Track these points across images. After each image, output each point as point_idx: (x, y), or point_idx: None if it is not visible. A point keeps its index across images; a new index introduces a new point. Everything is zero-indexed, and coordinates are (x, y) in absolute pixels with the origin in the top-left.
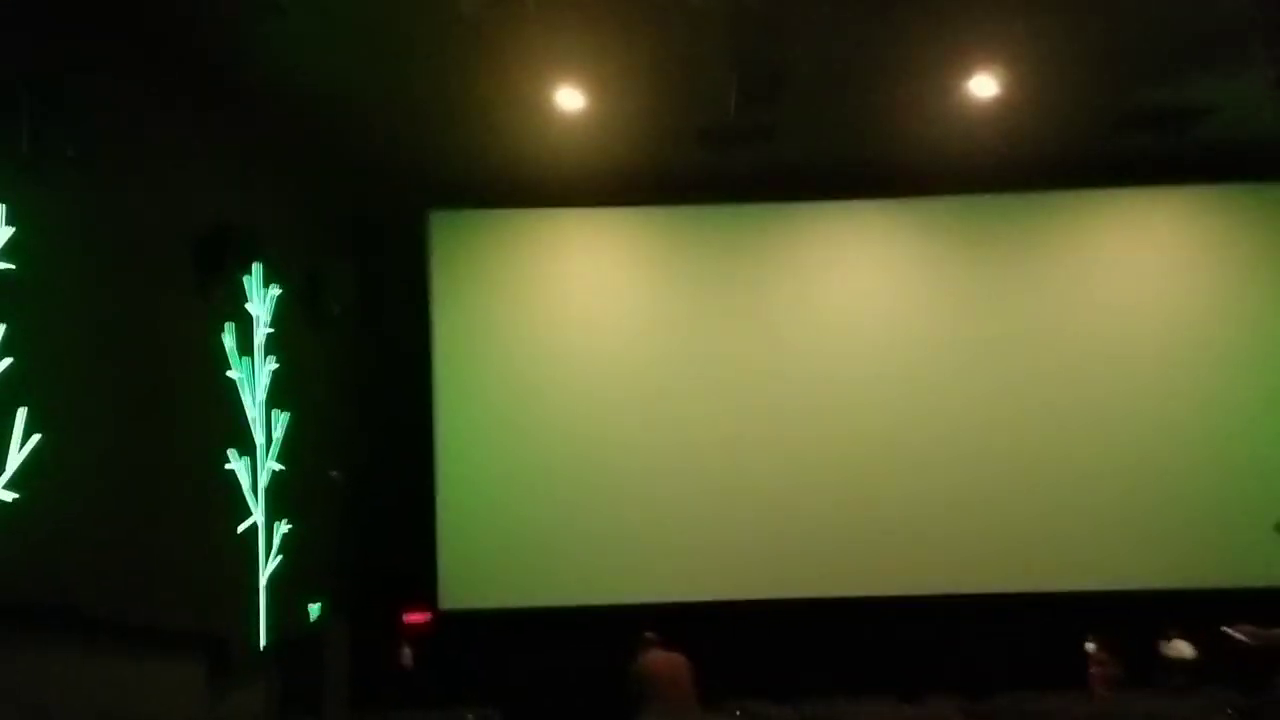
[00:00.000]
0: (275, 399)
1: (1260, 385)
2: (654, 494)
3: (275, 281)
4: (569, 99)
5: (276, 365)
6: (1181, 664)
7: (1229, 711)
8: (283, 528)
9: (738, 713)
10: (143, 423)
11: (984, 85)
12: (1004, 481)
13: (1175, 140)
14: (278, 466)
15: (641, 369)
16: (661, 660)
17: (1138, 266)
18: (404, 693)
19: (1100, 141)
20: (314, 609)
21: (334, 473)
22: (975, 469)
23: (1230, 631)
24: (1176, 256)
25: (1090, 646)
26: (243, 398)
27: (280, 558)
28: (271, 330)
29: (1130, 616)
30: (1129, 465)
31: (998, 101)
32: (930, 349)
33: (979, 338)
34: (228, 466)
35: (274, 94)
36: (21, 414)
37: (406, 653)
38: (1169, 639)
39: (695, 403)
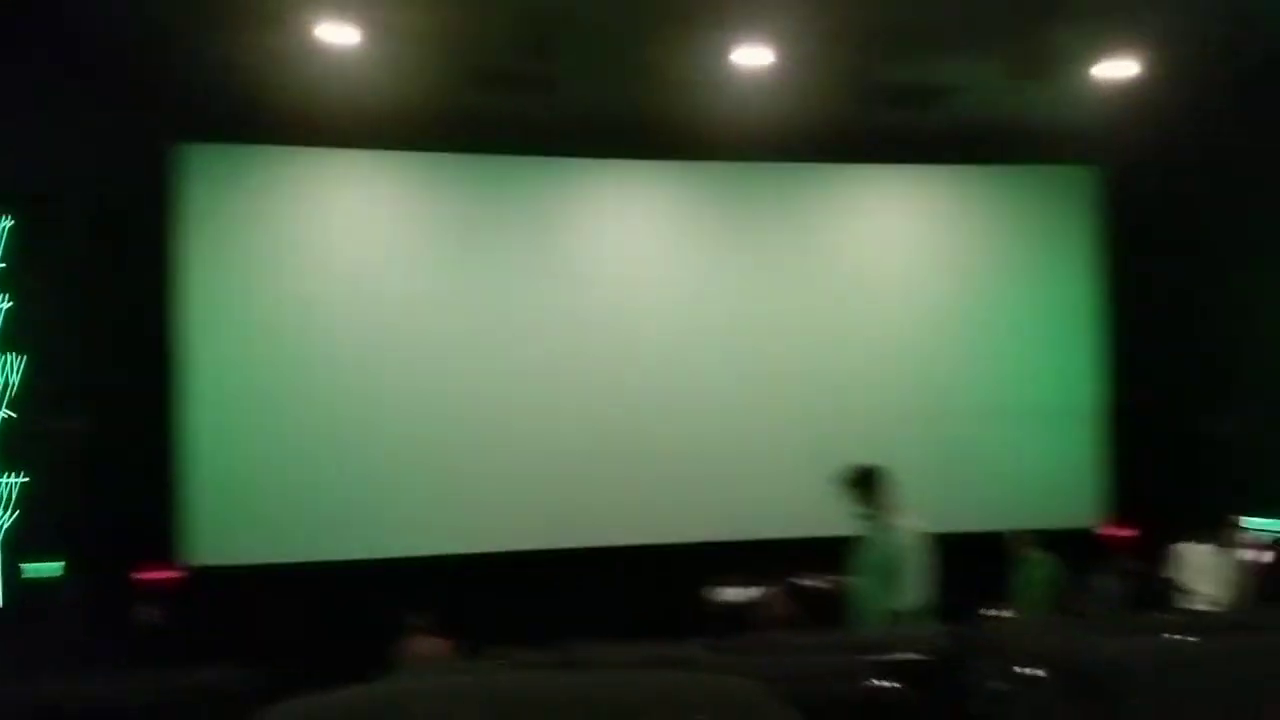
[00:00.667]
0: (6, 341)
1: (990, 338)
2: (415, 445)
3: (6, 213)
4: (338, 34)
5: (9, 304)
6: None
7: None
8: (16, 481)
9: (503, 661)
10: None
11: (757, 54)
12: (757, 437)
13: (923, 119)
14: (8, 414)
15: (405, 317)
16: (426, 651)
17: (889, 239)
18: (146, 652)
19: (856, 116)
20: (53, 566)
21: (70, 422)
22: (733, 424)
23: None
24: (924, 232)
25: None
26: None
27: (16, 513)
28: (3, 265)
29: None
30: (872, 425)
31: (769, 71)
32: (694, 310)
33: (741, 301)
34: None
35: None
36: None
37: (152, 611)
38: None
39: (459, 353)
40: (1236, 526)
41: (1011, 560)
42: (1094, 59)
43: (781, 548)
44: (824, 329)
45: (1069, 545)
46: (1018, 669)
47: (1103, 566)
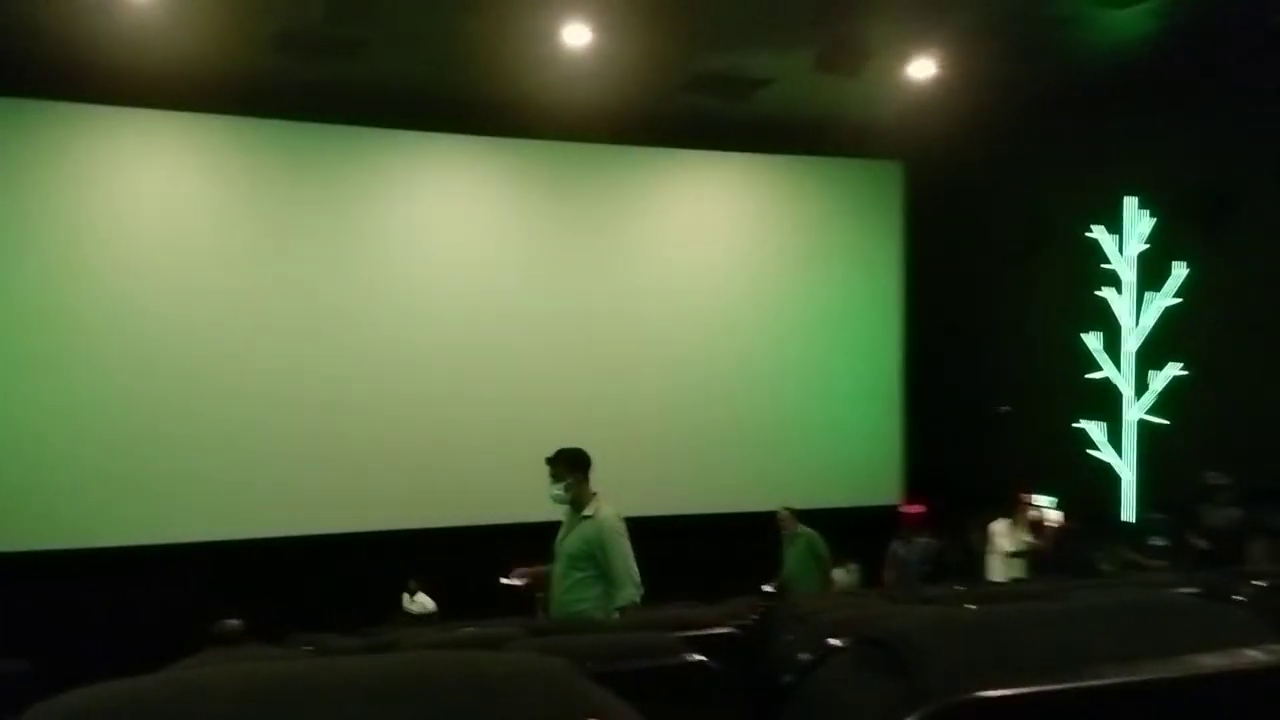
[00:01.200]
0: None
1: (798, 329)
2: (205, 427)
3: None
4: None
5: None
6: None
7: None
8: None
9: (306, 646)
10: None
11: (578, 33)
12: (572, 416)
13: (736, 106)
14: None
15: (202, 290)
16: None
17: (699, 223)
18: None
19: (675, 102)
20: None
21: None
22: (541, 406)
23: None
24: (733, 217)
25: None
26: None
27: None
28: None
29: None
30: (679, 408)
31: (589, 51)
32: (506, 285)
33: (554, 278)
34: None
35: None
36: None
37: None
38: None
39: (255, 329)
40: (1028, 504)
41: (780, 537)
42: (900, 57)
43: None
44: (635, 310)
45: (873, 521)
46: (820, 639)
47: (904, 541)
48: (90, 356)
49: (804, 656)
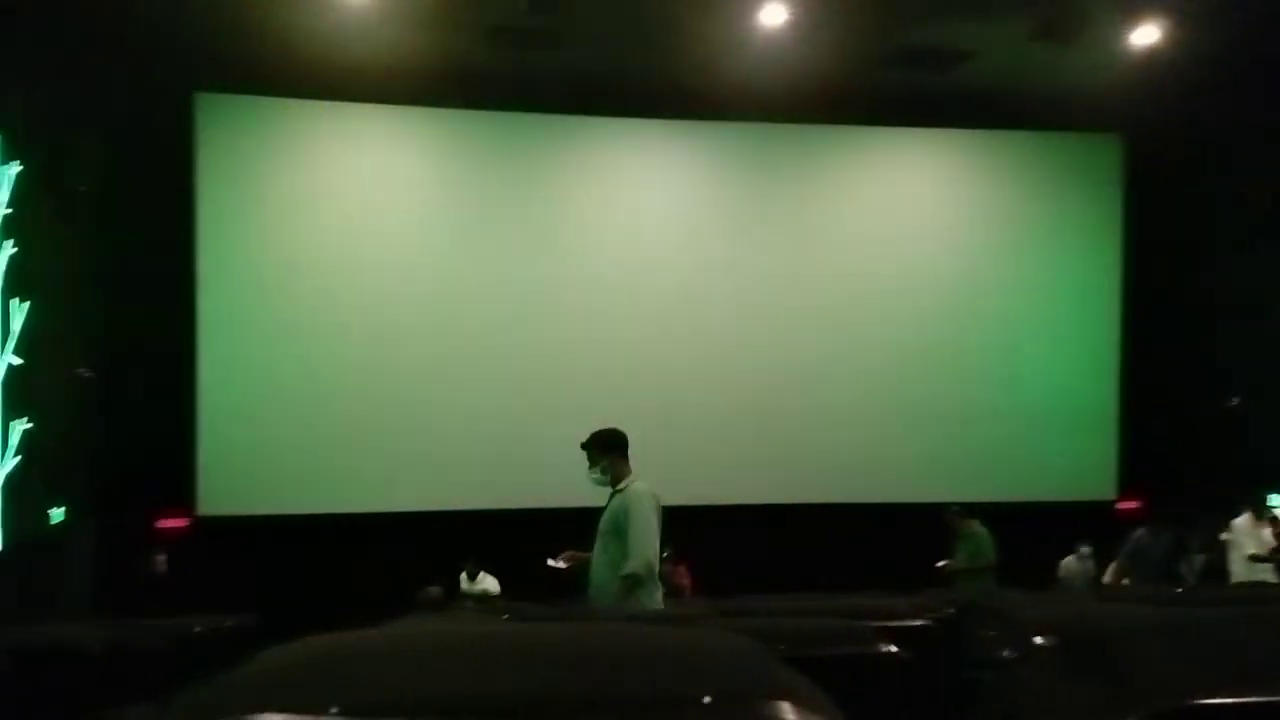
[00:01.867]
0: (14, 287)
1: (1009, 311)
2: (424, 402)
3: (16, 158)
4: None
5: (15, 250)
6: None
7: None
8: (22, 426)
9: (505, 616)
10: None
11: (774, 13)
12: (779, 399)
13: (941, 80)
14: (16, 360)
15: (419, 273)
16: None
17: (902, 203)
18: (156, 599)
19: (875, 78)
20: (56, 512)
21: (83, 370)
22: (752, 386)
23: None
24: (938, 193)
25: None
26: None
27: (19, 458)
28: (10, 211)
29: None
30: (885, 392)
31: (785, 30)
32: (708, 268)
33: (756, 262)
34: None
35: None
36: None
37: (160, 559)
38: None
39: (473, 311)
40: (1264, 504)
41: (952, 533)
42: (1120, 23)
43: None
44: (839, 291)
45: (1089, 518)
46: (1022, 636)
47: (1152, 532)
48: (311, 335)
49: (1005, 653)
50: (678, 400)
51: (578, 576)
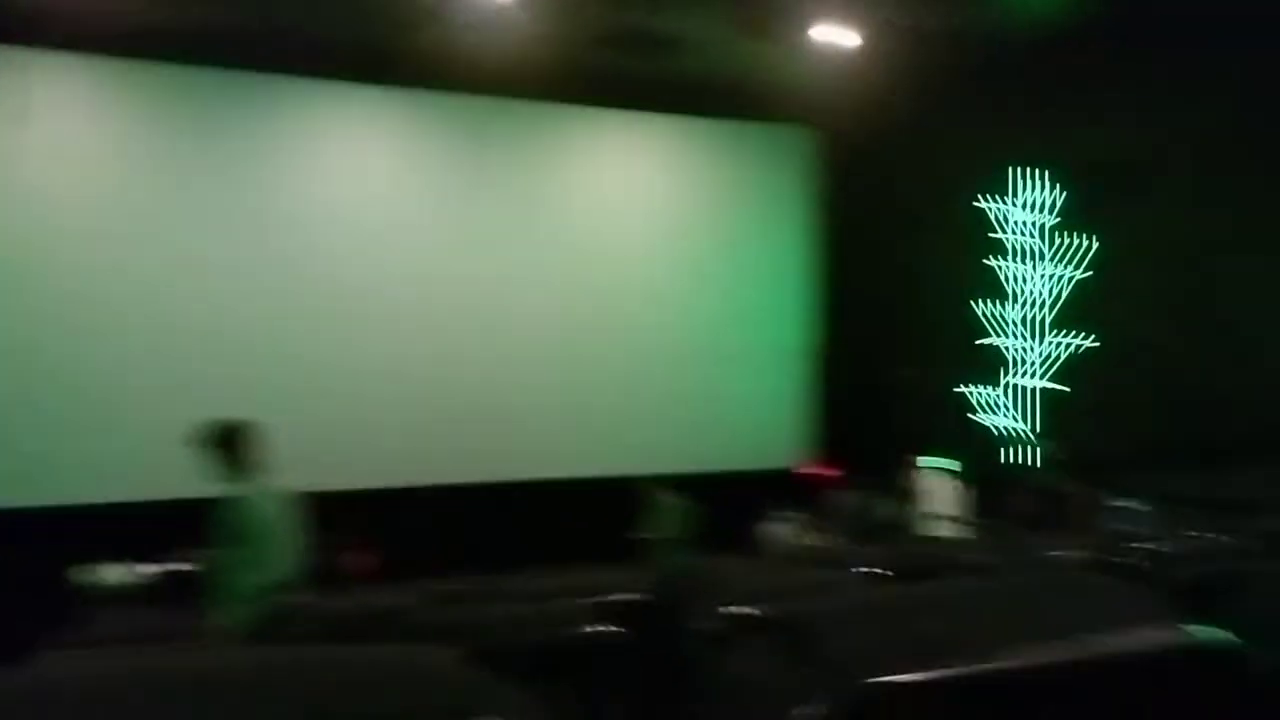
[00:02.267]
0: None
1: (704, 290)
2: (95, 384)
3: None
4: None
5: None
6: None
7: None
8: None
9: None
10: None
11: None
12: (474, 376)
13: (650, 66)
14: None
15: (92, 237)
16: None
17: (609, 182)
18: None
19: (589, 59)
20: None
21: None
22: (446, 363)
23: None
24: (645, 177)
25: None
26: None
27: None
28: None
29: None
30: (583, 367)
31: (506, 4)
32: (415, 241)
33: (465, 235)
34: None
35: None
36: None
37: None
38: None
39: (148, 288)
40: (914, 466)
41: (645, 505)
42: (813, 20)
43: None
44: (539, 268)
45: (773, 485)
46: (728, 616)
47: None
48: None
49: (712, 631)
50: (370, 382)
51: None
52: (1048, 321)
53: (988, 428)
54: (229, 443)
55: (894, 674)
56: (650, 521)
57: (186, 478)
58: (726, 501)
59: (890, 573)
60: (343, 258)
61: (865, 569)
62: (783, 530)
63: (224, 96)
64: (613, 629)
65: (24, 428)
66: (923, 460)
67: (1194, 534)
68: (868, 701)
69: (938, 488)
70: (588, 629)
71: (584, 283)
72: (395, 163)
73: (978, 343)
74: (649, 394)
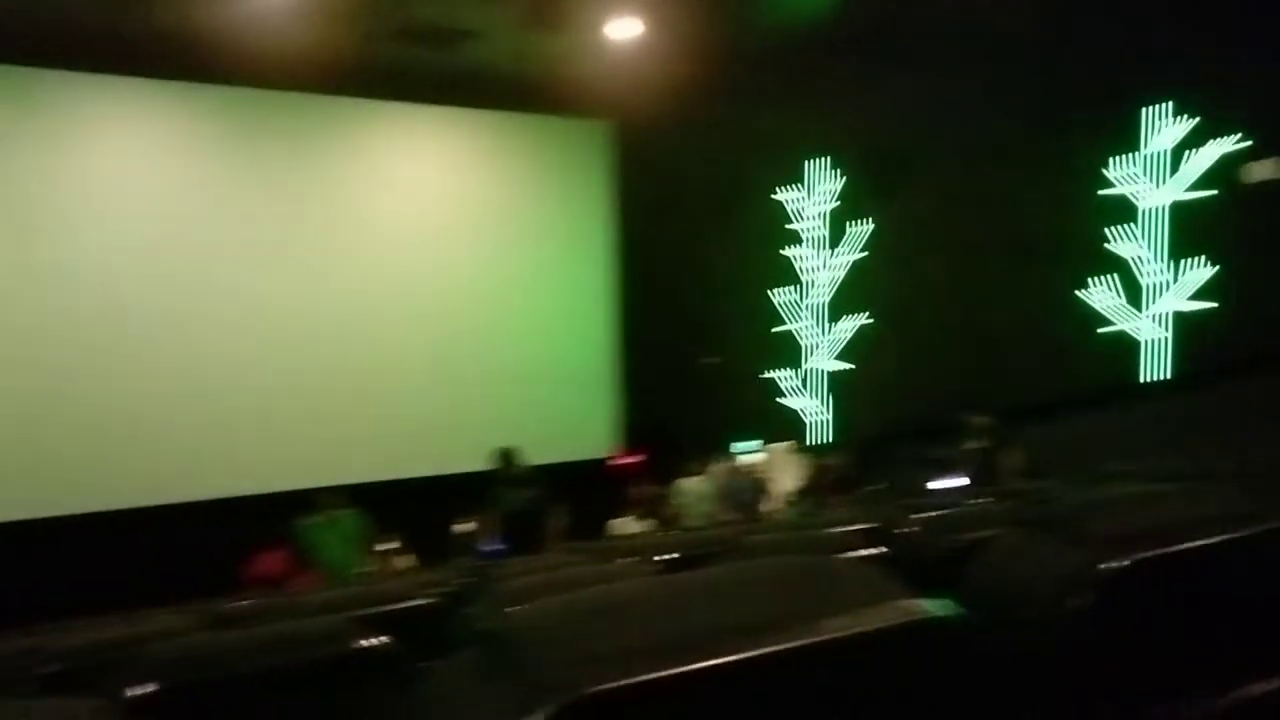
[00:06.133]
0: None
1: (506, 285)
2: None
3: None
4: None
5: None
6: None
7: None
8: None
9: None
10: None
11: None
12: (259, 384)
13: (443, 60)
14: None
15: None
16: None
17: (406, 178)
18: None
19: (381, 51)
20: None
21: None
22: (234, 371)
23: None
24: (442, 173)
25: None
26: None
27: None
28: None
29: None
30: (385, 367)
31: None
32: (192, 242)
33: (250, 233)
34: None
35: None
36: None
37: None
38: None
39: None
40: (724, 452)
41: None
42: (604, 14)
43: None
44: (335, 268)
45: (586, 475)
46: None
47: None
48: None
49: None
50: (161, 389)
51: None
52: (831, 305)
53: (793, 409)
54: None
55: (607, 681)
56: (324, 538)
57: None
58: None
59: (666, 560)
60: (115, 266)
61: (656, 558)
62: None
63: None
64: (383, 640)
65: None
66: (736, 445)
67: (975, 501)
68: (579, 711)
69: (761, 467)
70: (354, 644)
71: (380, 282)
72: (168, 159)
73: (775, 330)
74: (453, 395)
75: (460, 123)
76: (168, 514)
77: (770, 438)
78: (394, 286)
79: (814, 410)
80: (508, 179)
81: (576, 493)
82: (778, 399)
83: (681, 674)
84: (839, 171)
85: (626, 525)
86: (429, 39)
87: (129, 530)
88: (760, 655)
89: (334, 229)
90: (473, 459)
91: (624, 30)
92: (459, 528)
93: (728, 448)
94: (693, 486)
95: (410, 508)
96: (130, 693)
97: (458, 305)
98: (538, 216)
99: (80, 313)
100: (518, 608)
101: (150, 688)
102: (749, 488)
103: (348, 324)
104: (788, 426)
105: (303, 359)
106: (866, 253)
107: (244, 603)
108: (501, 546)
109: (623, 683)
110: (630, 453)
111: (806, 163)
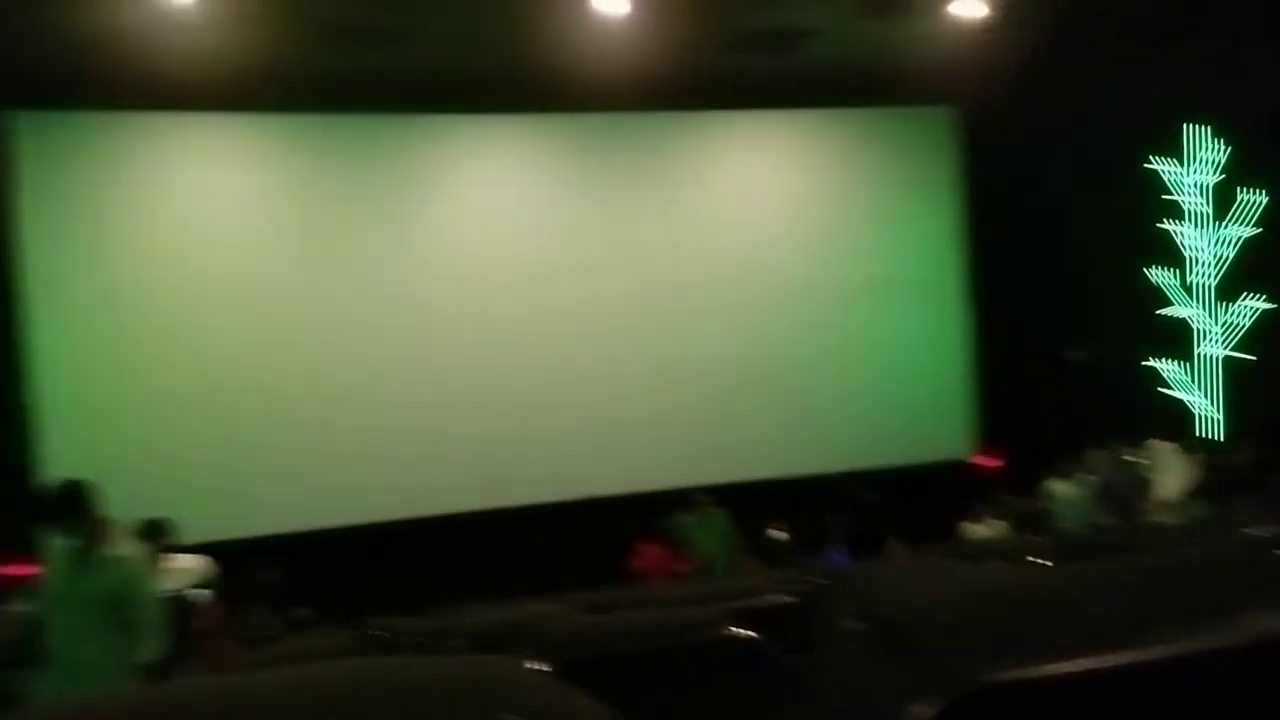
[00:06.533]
0: None
1: (856, 285)
2: (263, 418)
3: None
4: None
5: None
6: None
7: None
8: None
9: (373, 631)
10: None
11: (615, 2)
12: (630, 390)
13: (780, 62)
14: None
15: (262, 285)
16: None
17: (753, 182)
18: None
19: (717, 63)
20: None
21: None
22: (607, 379)
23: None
24: (783, 175)
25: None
26: None
27: None
28: None
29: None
30: (742, 370)
31: (626, 19)
32: (560, 264)
33: (607, 252)
34: None
35: None
36: None
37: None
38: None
39: (319, 322)
40: (1098, 451)
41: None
42: None
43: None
44: (687, 277)
45: (938, 477)
46: (837, 617)
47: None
48: (146, 354)
49: (820, 636)
50: (544, 398)
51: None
52: (1219, 287)
53: (1178, 403)
54: (72, 504)
55: (1011, 671)
56: (701, 534)
57: None
58: (899, 497)
59: (1049, 562)
60: (495, 284)
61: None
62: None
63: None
64: (745, 634)
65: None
66: (1112, 443)
67: None
68: (979, 699)
69: (1148, 468)
70: (723, 633)
71: (729, 289)
72: (529, 190)
73: (1157, 314)
74: (812, 394)
75: (794, 124)
76: (554, 511)
77: (1150, 435)
78: (744, 291)
79: (1203, 404)
80: (847, 175)
81: (927, 497)
82: (1160, 391)
83: (1090, 670)
84: (1222, 140)
85: (984, 530)
86: (766, 44)
87: (521, 526)
88: (1185, 653)
89: (679, 241)
90: (826, 460)
91: (965, 9)
92: (774, 533)
93: (1102, 446)
94: (1065, 489)
95: (765, 509)
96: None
97: (805, 306)
98: (882, 210)
99: (465, 328)
100: (907, 595)
101: (545, 664)
102: (1131, 489)
103: (710, 331)
104: (1171, 422)
105: (676, 366)
106: (1261, 229)
107: (617, 593)
108: (843, 555)
109: (1025, 674)
110: (987, 453)
111: (1184, 130)
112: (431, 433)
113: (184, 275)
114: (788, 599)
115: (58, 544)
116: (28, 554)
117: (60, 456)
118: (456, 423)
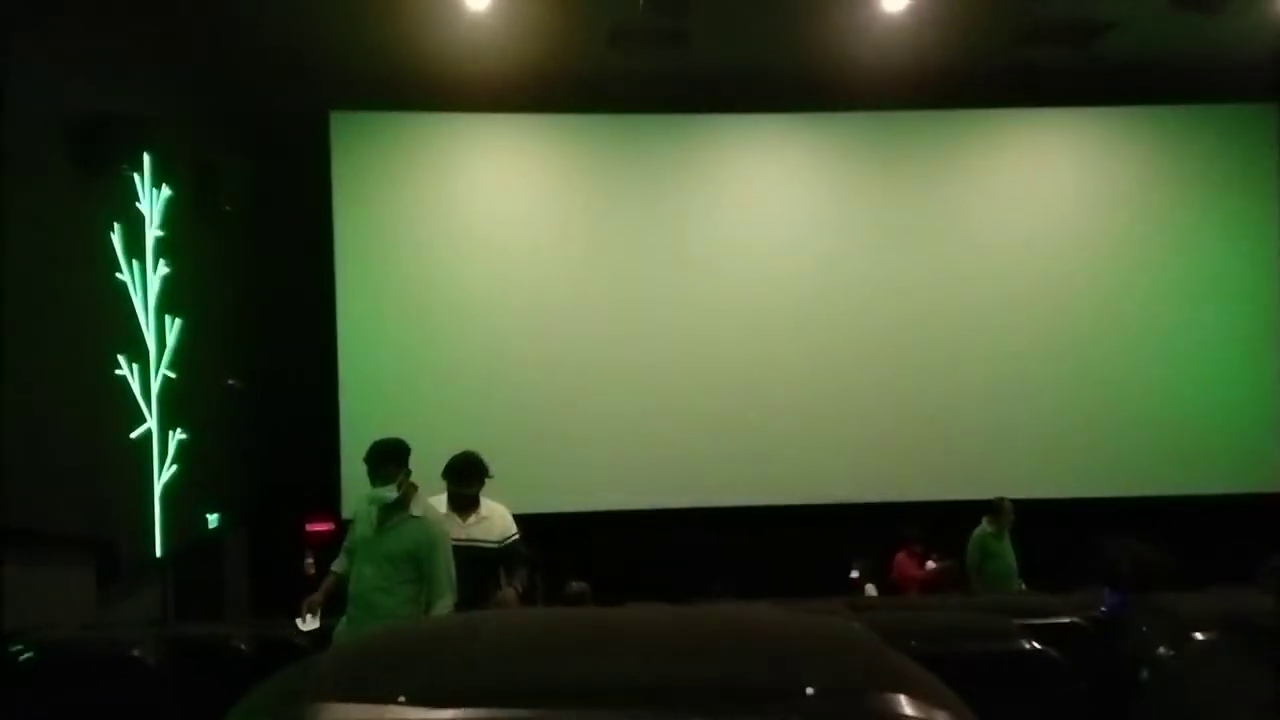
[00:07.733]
0: (167, 304)
1: (1160, 299)
2: (560, 405)
3: (166, 181)
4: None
5: (168, 270)
6: None
7: None
8: (178, 436)
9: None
10: (24, 326)
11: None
12: (910, 395)
13: (1078, 56)
14: (170, 374)
15: (551, 280)
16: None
17: (1044, 184)
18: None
19: (1008, 57)
20: (212, 518)
21: (232, 381)
22: (886, 384)
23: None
24: (1080, 175)
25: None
26: (133, 301)
27: (175, 466)
28: (162, 233)
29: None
30: (1039, 380)
31: (909, 14)
32: (842, 265)
33: (890, 254)
34: (118, 372)
35: None
36: None
37: (309, 562)
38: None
39: (604, 316)
40: None
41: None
42: None
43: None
44: (978, 282)
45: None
46: (1183, 631)
47: None
48: (448, 346)
49: (1163, 650)
50: (818, 397)
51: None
52: None
53: None
54: (401, 462)
55: None
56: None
57: None
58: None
59: None
60: (776, 286)
61: None
62: None
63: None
64: (1038, 647)
65: None
66: None
67: None
68: None
69: None
70: (1012, 645)
71: (1022, 297)
72: (813, 189)
73: None
74: (1118, 412)
75: (1094, 122)
76: (821, 513)
77: None
78: (1031, 301)
79: None
80: (1154, 178)
81: (1230, 534)
82: None
83: None
84: None
85: None
86: (1066, 36)
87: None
88: None
89: (969, 244)
90: (1116, 485)
91: None
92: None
93: None
94: None
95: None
96: None
97: (1102, 316)
98: (1193, 216)
99: (746, 326)
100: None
101: None
102: None
103: (984, 342)
104: None
105: (940, 375)
106: None
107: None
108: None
109: None
110: None
111: None
112: (705, 428)
113: (480, 267)
114: (1080, 621)
115: (364, 502)
116: (332, 512)
117: (363, 438)
118: (732, 419)
